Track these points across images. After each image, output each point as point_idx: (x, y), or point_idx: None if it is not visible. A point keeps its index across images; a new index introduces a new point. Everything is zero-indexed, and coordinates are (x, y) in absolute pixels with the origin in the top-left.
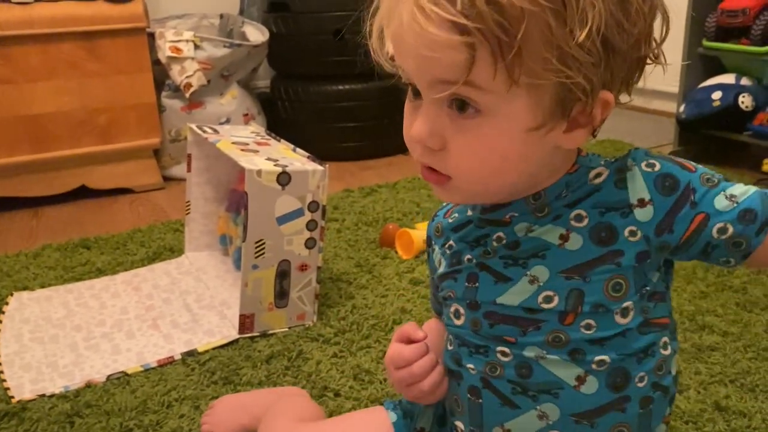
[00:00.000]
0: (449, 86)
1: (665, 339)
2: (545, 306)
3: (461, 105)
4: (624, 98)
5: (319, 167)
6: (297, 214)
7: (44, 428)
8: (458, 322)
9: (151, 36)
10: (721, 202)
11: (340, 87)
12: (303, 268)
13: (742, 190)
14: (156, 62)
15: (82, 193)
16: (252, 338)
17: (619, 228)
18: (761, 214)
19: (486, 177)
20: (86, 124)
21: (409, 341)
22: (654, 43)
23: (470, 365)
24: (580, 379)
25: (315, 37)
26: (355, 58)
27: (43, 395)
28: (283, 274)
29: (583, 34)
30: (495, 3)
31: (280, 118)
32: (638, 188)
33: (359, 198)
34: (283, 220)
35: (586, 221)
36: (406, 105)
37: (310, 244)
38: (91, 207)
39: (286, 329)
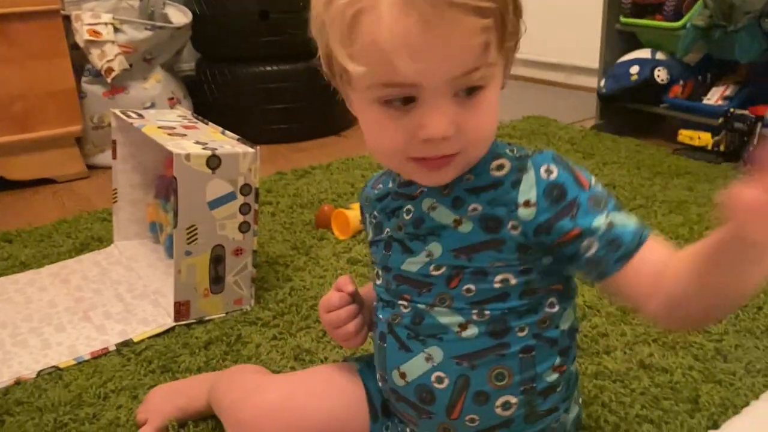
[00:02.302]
0: (474, 72)
1: (552, 299)
2: (435, 273)
3: (469, 90)
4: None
5: (250, 149)
6: (229, 198)
7: None
8: (378, 282)
9: (67, 19)
10: (599, 225)
11: (268, 68)
12: (238, 252)
13: (622, 221)
14: (74, 46)
15: (0, 184)
16: (188, 325)
17: (504, 220)
18: (625, 248)
19: (490, 140)
20: (0, 112)
21: (340, 291)
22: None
23: (381, 316)
24: (462, 326)
25: (240, 17)
26: (281, 38)
27: None
28: (217, 260)
29: None
30: None
31: (207, 102)
32: (528, 191)
33: (293, 180)
34: (214, 204)
35: (479, 210)
36: (381, 118)
37: (244, 228)
38: (10, 199)
39: (224, 315)
